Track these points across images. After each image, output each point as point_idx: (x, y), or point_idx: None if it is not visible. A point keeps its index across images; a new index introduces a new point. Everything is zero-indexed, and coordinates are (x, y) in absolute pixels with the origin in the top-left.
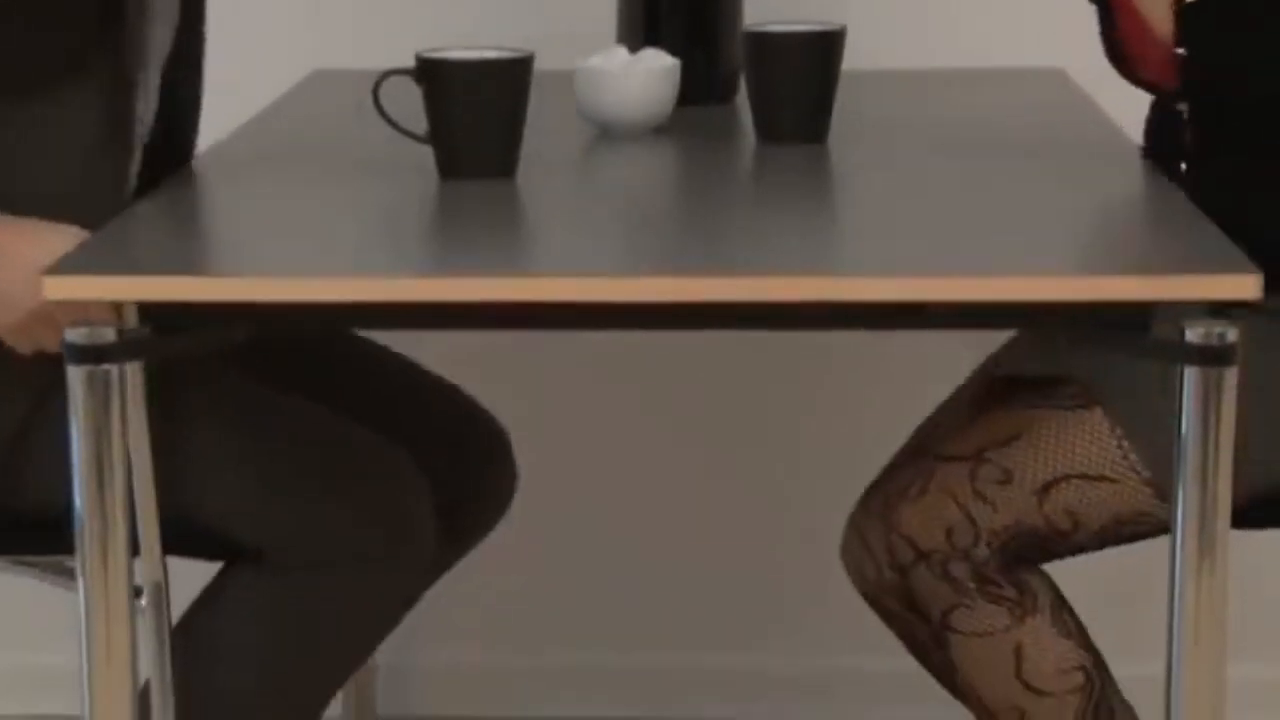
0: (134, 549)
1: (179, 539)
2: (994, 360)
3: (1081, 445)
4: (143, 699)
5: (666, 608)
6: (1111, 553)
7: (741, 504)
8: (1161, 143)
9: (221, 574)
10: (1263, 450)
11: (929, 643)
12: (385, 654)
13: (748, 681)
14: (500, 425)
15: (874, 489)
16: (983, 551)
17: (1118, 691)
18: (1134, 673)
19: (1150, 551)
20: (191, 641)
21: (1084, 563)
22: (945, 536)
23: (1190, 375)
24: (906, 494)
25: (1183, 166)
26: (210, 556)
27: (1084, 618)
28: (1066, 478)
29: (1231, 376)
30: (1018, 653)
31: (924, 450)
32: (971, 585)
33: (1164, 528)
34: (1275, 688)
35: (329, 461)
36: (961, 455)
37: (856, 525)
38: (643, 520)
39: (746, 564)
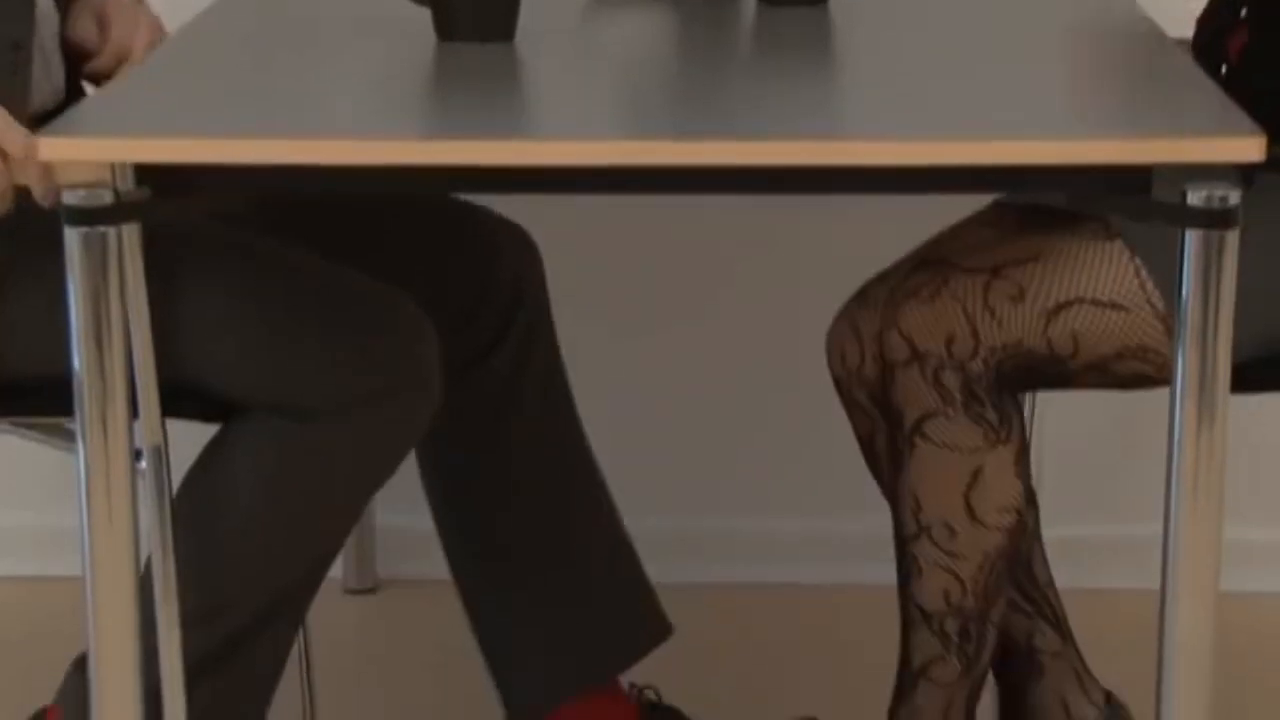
0: (133, 412)
1: (177, 400)
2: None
3: (1099, 271)
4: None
5: (669, 473)
6: (1110, 412)
7: (746, 371)
8: (1208, 41)
9: (221, 431)
10: (1263, 310)
11: (884, 441)
12: (386, 516)
13: (753, 543)
14: (511, 223)
15: (877, 283)
16: (978, 367)
17: (1028, 548)
18: (1129, 534)
19: (1148, 410)
20: (193, 499)
21: (1082, 421)
22: (945, 344)
23: (1191, 238)
24: (917, 294)
25: (1224, 69)
26: (209, 418)
27: (1079, 480)
28: (1079, 301)
29: (1233, 239)
30: (975, 475)
31: (940, 258)
32: (958, 398)
33: (1162, 371)
34: (1271, 550)
35: (326, 308)
36: (978, 268)
37: (850, 314)
38: (644, 384)
39: (755, 427)
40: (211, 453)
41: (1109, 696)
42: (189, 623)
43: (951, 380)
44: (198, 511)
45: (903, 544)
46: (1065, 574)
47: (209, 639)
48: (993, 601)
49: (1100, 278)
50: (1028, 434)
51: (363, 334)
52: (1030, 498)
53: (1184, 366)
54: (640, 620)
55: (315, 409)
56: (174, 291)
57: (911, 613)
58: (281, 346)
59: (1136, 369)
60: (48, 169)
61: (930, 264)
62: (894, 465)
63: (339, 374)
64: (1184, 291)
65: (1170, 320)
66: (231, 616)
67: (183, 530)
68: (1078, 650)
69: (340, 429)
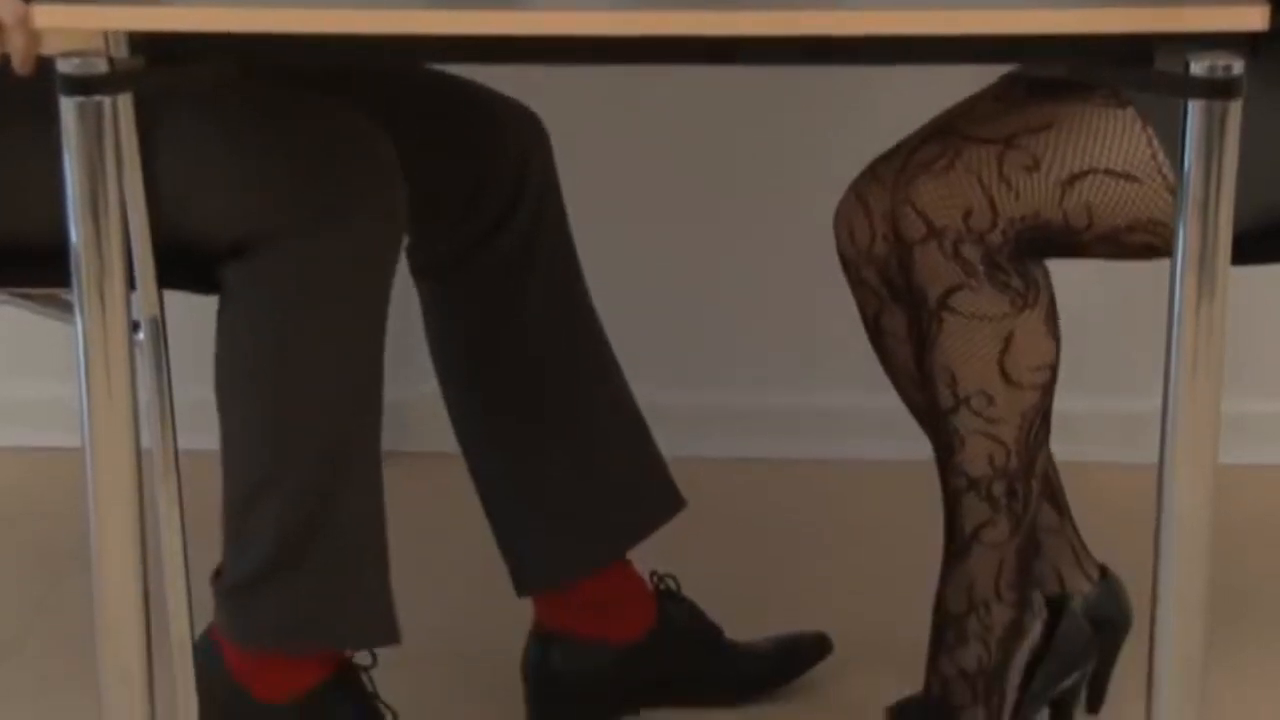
0: (130, 284)
1: (172, 269)
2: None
3: (1112, 140)
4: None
5: (677, 348)
6: (1108, 285)
7: (755, 247)
8: None
9: (218, 314)
10: (1265, 178)
11: (889, 319)
12: (391, 390)
13: (759, 418)
14: (519, 104)
15: (886, 160)
16: (997, 238)
17: None
18: (1127, 408)
19: (1147, 283)
20: (219, 383)
21: (1079, 295)
22: (963, 217)
23: (1194, 109)
24: (930, 167)
25: None
26: (204, 289)
27: (1077, 354)
28: (1093, 171)
29: (1235, 110)
30: (1007, 341)
31: (952, 129)
32: (981, 269)
33: (1169, 244)
34: (1269, 422)
35: (297, 135)
36: (991, 139)
37: (859, 191)
38: (653, 260)
39: (763, 303)
40: (218, 337)
41: (1104, 571)
42: (258, 498)
43: (972, 253)
44: (224, 391)
45: (939, 418)
46: (1062, 448)
47: (286, 509)
48: (1035, 455)
49: (1113, 147)
50: None
51: (332, 157)
52: (1059, 349)
53: (1185, 239)
54: (652, 493)
55: (282, 229)
56: (151, 141)
57: (957, 482)
58: (245, 171)
59: (1145, 240)
60: (36, 37)
61: (941, 136)
62: (918, 344)
63: (306, 190)
64: (1186, 164)
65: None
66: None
67: (220, 417)
68: (1074, 526)
69: (311, 248)
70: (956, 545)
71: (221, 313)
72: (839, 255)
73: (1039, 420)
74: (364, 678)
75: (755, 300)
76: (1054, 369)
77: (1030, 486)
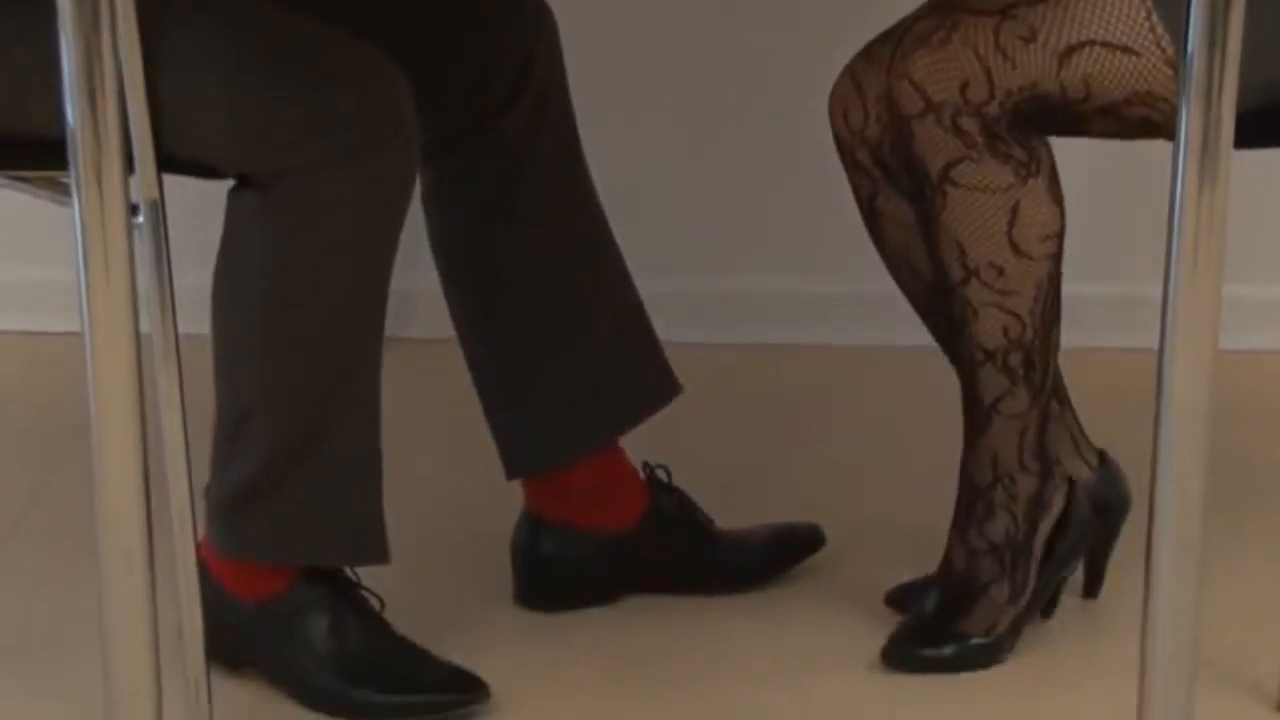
0: (129, 168)
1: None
2: None
3: (1109, 12)
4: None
5: (676, 234)
6: (1109, 169)
7: (744, 130)
8: None
9: (224, 225)
10: (1268, 56)
11: (884, 202)
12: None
13: (755, 304)
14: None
15: (883, 39)
16: (994, 110)
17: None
18: (1127, 293)
19: (1148, 167)
20: (217, 298)
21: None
22: (960, 90)
23: None
24: (926, 41)
25: None
26: (203, 173)
27: (1077, 237)
28: (1090, 43)
29: None
30: (1014, 211)
31: (950, 3)
32: (980, 140)
33: (1169, 119)
34: (1268, 307)
35: (294, 67)
36: (987, 10)
37: (854, 72)
38: (653, 146)
39: (762, 188)
40: (222, 248)
41: (1103, 457)
42: (251, 416)
43: (970, 125)
44: (223, 309)
45: (950, 291)
46: (1062, 334)
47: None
48: (1050, 326)
49: (1110, 19)
50: None
51: (333, 91)
52: (1064, 214)
53: (1187, 121)
54: (648, 378)
55: (290, 169)
56: (151, 59)
57: (973, 354)
58: (252, 110)
59: (1145, 115)
60: None
61: (939, 9)
62: (923, 222)
63: (315, 133)
64: (1189, 45)
65: (1179, 66)
66: (285, 409)
67: (216, 332)
68: (1073, 412)
69: (319, 187)
70: (977, 418)
71: (226, 232)
72: (834, 138)
73: (1051, 290)
74: (348, 570)
75: (755, 186)
76: (1060, 237)
77: (1048, 356)
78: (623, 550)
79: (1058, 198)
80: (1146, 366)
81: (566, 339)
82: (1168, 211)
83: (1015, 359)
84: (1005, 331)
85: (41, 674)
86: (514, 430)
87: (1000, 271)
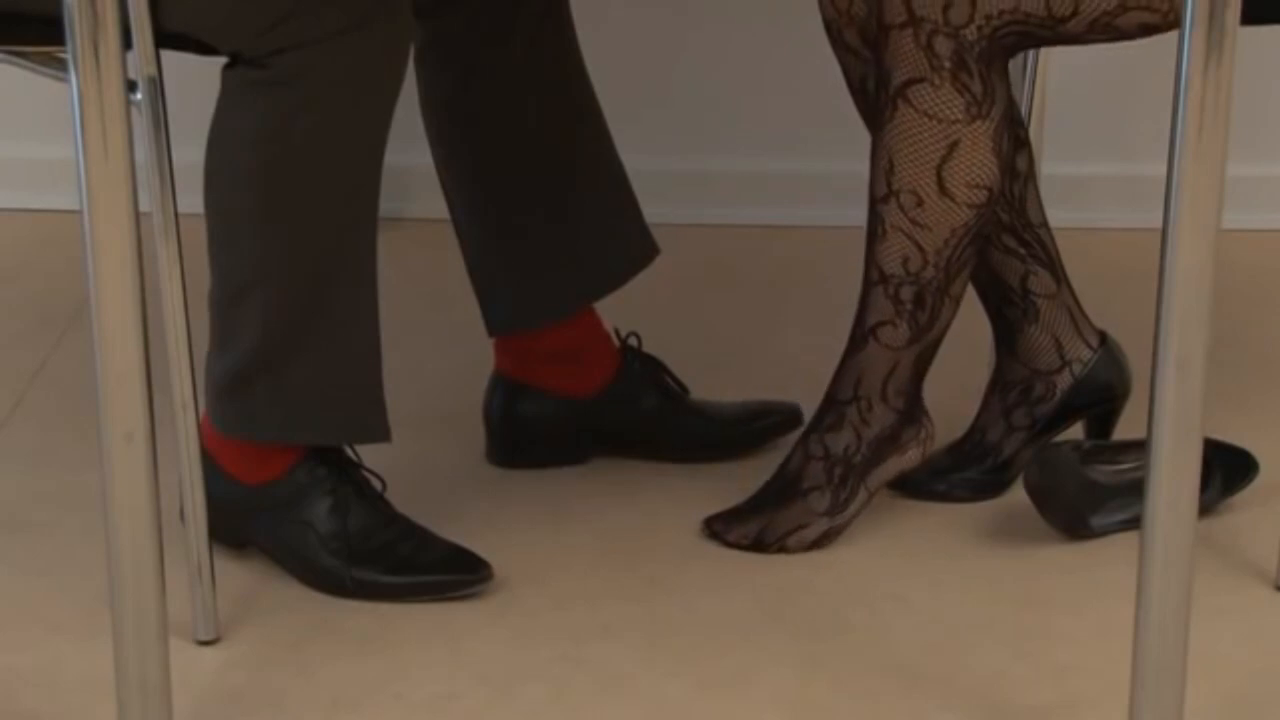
0: (127, 44)
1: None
2: None
3: None
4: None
5: (663, 114)
6: (1115, 50)
7: (736, 11)
8: None
9: (219, 97)
10: None
11: (875, 84)
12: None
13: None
14: None
15: None
16: (972, 34)
17: (1022, 190)
18: (1131, 172)
19: (1155, 49)
20: (209, 179)
21: (1087, 58)
22: (943, 9)
23: None
24: None
25: None
26: (202, 49)
27: (1082, 117)
28: None
29: None
30: (951, 147)
31: None
32: (947, 65)
33: (1168, 16)
34: (1270, 186)
35: None
36: None
37: None
38: (633, 22)
39: (749, 70)
40: (214, 124)
41: (1103, 337)
42: (246, 294)
43: (943, 47)
44: (216, 186)
45: (873, 203)
46: (1066, 214)
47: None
48: (954, 276)
49: None
50: (1032, 71)
51: None
52: (1023, 141)
53: None
54: (627, 240)
55: (283, 48)
56: None
57: (870, 273)
58: None
59: (1141, 19)
60: None
61: None
62: (875, 125)
63: (308, 14)
64: None
65: None
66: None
67: (209, 208)
68: (1072, 291)
69: (313, 64)
70: (855, 335)
71: (220, 107)
72: (823, 20)
73: (967, 240)
74: (348, 449)
75: (745, 65)
76: (991, 192)
77: (942, 303)
78: (594, 412)
79: (999, 151)
80: (1149, 246)
81: (549, 201)
82: (1173, 89)
83: (907, 293)
84: (905, 262)
85: (44, 554)
86: (495, 287)
87: (919, 202)
